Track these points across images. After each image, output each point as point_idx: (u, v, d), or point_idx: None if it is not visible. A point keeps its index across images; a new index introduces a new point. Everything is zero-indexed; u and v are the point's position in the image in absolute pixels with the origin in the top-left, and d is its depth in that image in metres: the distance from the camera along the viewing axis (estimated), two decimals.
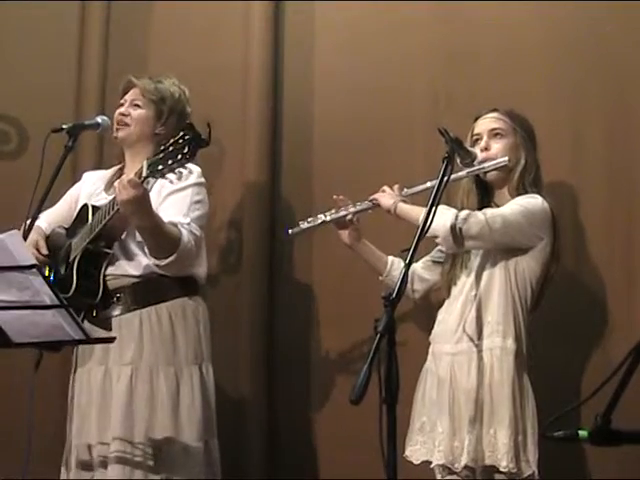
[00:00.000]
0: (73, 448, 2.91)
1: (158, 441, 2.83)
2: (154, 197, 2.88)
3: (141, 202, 2.73)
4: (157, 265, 2.87)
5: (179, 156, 2.59)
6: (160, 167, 2.62)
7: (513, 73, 3.29)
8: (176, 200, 2.93)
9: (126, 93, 3.14)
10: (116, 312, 2.93)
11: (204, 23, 3.87)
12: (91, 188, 3.16)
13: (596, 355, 3.01)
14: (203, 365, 2.97)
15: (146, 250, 2.88)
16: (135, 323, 2.91)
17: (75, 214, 3.08)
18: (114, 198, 2.79)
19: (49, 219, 3.13)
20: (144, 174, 2.66)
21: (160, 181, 2.84)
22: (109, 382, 2.88)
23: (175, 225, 2.87)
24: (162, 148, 2.63)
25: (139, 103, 3.10)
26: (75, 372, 2.98)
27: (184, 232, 2.88)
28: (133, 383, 2.85)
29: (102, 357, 2.89)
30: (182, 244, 2.85)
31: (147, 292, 2.94)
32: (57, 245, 3.05)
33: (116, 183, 2.76)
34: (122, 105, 3.12)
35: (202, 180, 3.02)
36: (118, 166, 3.19)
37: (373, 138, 3.55)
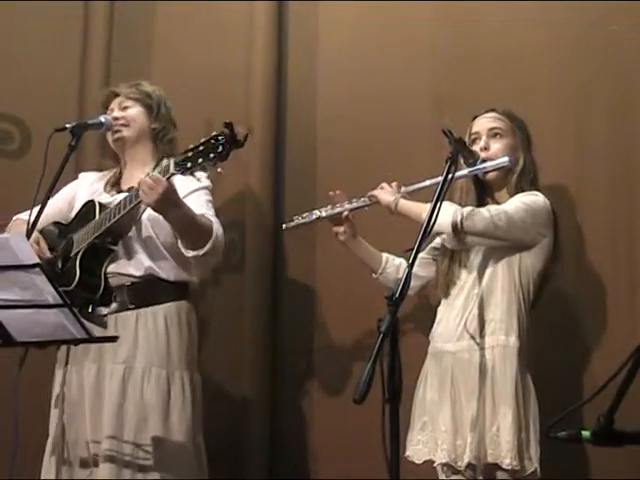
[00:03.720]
0: (65, 443, 2.91)
1: (147, 439, 2.83)
2: None
3: (170, 197, 2.72)
4: (195, 256, 2.85)
5: (211, 155, 2.58)
6: (189, 165, 2.62)
7: (516, 74, 3.29)
8: (194, 199, 2.94)
9: (107, 107, 3.17)
10: (112, 310, 2.93)
11: (207, 23, 3.87)
12: (90, 188, 3.16)
13: (599, 356, 3.02)
14: (193, 370, 2.98)
15: (180, 247, 2.87)
16: (131, 322, 2.91)
17: (76, 211, 3.08)
18: (130, 195, 2.80)
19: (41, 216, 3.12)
20: (171, 170, 2.66)
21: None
22: (102, 380, 2.88)
23: (204, 216, 2.89)
24: (192, 147, 2.63)
25: (127, 105, 3.13)
26: (65, 367, 2.96)
27: (213, 220, 2.90)
28: (125, 382, 2.85)
29: (95, 354, 2.89)
30: (214, 230, 2.85)
31: (144, 292, 2.94)
32: (51, 242, 3.04)
33: (140, 183, 2.74)
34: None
35: (211, 184, 3.04)
36: (116, 168, 3.20)
37: (376, 139, 3.55)
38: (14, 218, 3.14)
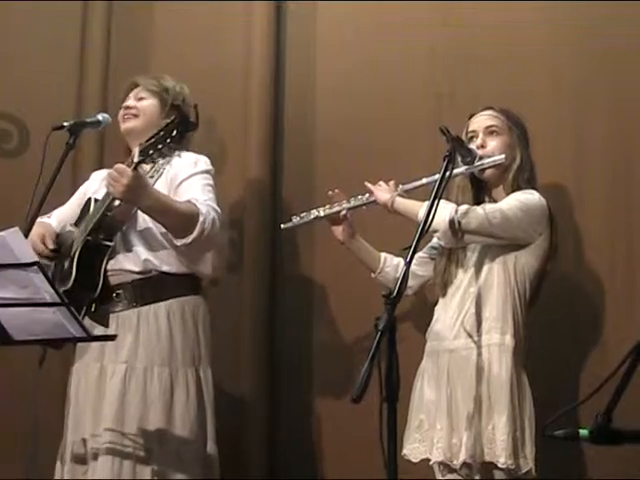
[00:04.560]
0: (68, 443, 2.90)
1: (149, 436, 2.82)
2: (164, 186, 2.92)
3: (137, 187, 2.73)
4: (183, 244, 2.85)
5: (168, 140, 2.65)
6: (150, 152, 2.67)
7: (515, 74, 3.30)
8: (189, 185, 2.94)
9: (127, 95, 3.19)
10: (115, 308, 2.91)
11: (206, 23, 3.87)
12: (96, 186, 3.17)
13: (597, 354, 3.02)
14: (200, 368, 2.95)
15: (170, 236, 2.88)
16: (133, 321, 2.90)
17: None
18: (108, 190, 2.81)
19: (59, 217, 3.15)
20: (136, 159, 2.69)
21: (171, 172, 2.92)
22: (104, 379, 2.87)
23: (190, 202, 2.87)
24: (152, 135, 2.69)
25: (143, 96, 3.15)
26: (72, 367, 2.97)
27: (201, 206, 2.87)
28: (127, 381, 2.84)
29: (98, 354, 2.88)
30: (201, 217, 2.83)
31: (146, 290, 2.93)
32: (67, 242, 3.05)
33: (107, 175, 2.77)
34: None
35: (211, 168, 3.04)
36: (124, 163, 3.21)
37: (375, 137, 3.55)
38: (37, 221, 3.13)
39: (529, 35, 3.30)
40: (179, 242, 2.86)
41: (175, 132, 2.65)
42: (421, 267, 3.00)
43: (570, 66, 3.23)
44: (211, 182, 3.00)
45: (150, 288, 2.93)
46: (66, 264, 2.95)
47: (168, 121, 2.69)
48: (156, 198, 2.80)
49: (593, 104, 3.19)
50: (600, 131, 3.16)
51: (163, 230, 2.91)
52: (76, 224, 3.06)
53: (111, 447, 2.79)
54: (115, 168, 2.73)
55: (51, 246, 3.01)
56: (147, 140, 2.70)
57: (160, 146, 2.67)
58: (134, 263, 2.94)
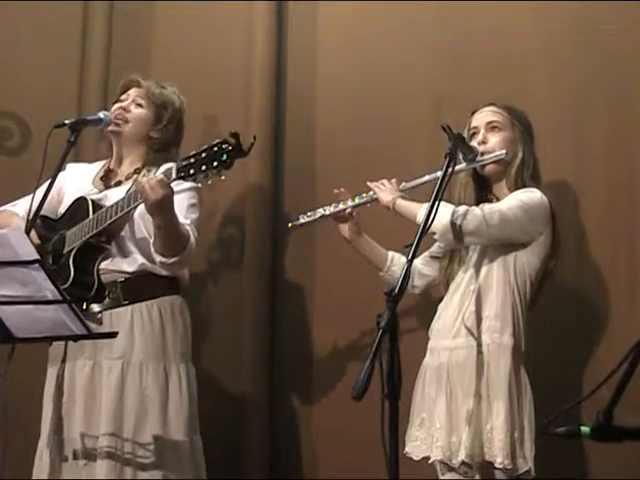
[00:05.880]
0: (62, 441, 2.89)
1: (147, 432, 2.83)
2: None
3: (167, 203, 2.72)
4: (162, 262, 2.87)
5: (215, 163, 2.55)
6: (192, 171, 2.59)
7: (516, 75, 3.30)
8: (175, 201, 2.89)
9: (126, 91, 3.16)
10: (106, 306, 2.92)
11: (207, 23, 3.87)
12: (79, 183, 3.14)
13: (598, 352, 3.02)
14: (189, 364, 2.99)
15: (151, 247, 2.87)
16: (126, 318, 2.91)
17: (66, 206, 3.06)
18: (130, 195, 2.79)
19: (26, 208, 3.04)
20: (173, 176, 2.64)
21: None
22: (99, 375, 2.88)
23: (183, 225, 2.88)
24: (194, 152, 2.60)
25: (142, 103, 3.11)
26: (62, 364, 2.94)
27: (191, 231, 2.90)
28: (124, 378, 2.86)
29: (92, 351, 2.88)
30: (189, 245, 2.87)
31: (138, 288, 2.94)
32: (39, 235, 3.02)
33: (142, 180, 2.73)
34: (122, 101, 3.13)
35: (197, 185, 2.99)
36: (104, 161, 3.20)
37: (375, 138, 3.55)
38: (2, 209, 3.13)
39: (529, 35, 3.30)
40: (158, 258, 2.87)
41: (226, 158, 2.53)
42: (427, 266, 2.99)
43: (570, 66, 3.23)
44: (195, 201, 3.00)
45: (141, 286, 2.95)
46: (50, 260, 2.95)
47: (217, 143, 2.55)
48: (173, 214, 2.79)
49: (593, 103, 3.19)
50: (600, 130, 3.17)
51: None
52: (57, 220, 3.04)
53: (109, 450, 2.80)
54: (155, 177, 2.70)
55: (36, 240, 2.98)
56: (187, 157, 2.62)
57: (204, 167, 2.56)
58: (130, 265, 2.95)
